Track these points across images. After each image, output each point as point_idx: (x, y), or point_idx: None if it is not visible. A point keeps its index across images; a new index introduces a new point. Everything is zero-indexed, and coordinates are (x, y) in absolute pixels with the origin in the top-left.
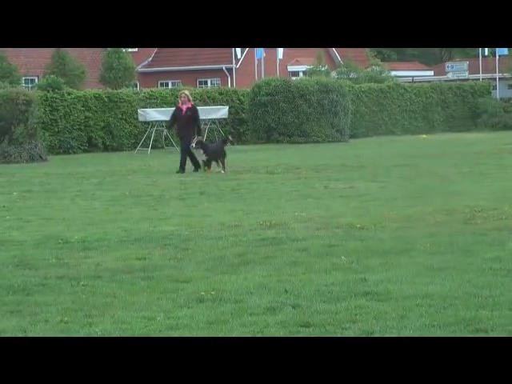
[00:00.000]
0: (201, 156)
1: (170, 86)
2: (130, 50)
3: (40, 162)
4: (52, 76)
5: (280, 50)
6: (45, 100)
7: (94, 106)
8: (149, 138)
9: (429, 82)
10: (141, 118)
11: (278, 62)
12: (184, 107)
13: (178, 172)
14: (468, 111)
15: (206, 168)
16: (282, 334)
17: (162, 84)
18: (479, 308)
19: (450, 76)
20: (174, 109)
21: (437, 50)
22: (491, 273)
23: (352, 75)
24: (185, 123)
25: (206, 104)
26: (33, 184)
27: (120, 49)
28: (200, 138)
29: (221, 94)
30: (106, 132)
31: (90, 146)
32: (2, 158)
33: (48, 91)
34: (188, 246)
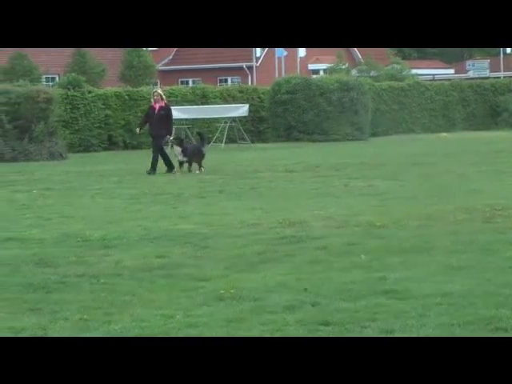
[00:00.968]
0: (176, 156)
1: (190, 84)
2: (150, 48)
3: (60, 160)
4: (72, 74)
5: (301, 48)
6: (65, 98)
7: (115, 104)
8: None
9: (449, 80)
10: None
11: (298, 60)
12: (157, 106)
13: (148, 173)
14: (488, 109)
15: (180, 169)
16: (301, 332)
17: (182, 82)
18: (499, 307)
19: (470, 74)
20: (193, 107)
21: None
22: (511, 271)
23: (372, 73)
24: (157, 122)
25: (226, 102)
26: (53, 182)
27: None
28: (177, 136)
29: (241, 92)
30: (127, 130)
31: (110, 144)
32: (22, 155)
33: (68, 89)
34: (207, 244)
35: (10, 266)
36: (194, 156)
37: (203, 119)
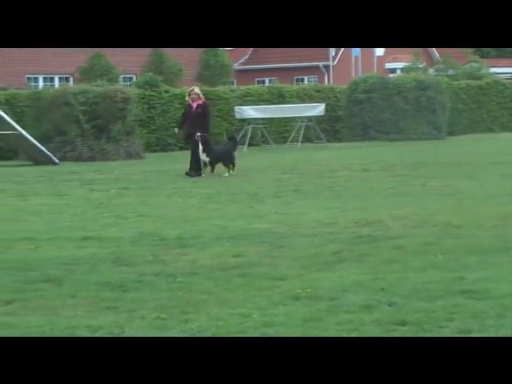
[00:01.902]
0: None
1: (266, 83)
2: (226, 48)
3: (137, 160)
4: (149, 74)
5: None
6: (142, 98)
7: None
8: (245, 135)
9: None
10: (237, 116)
11: (375, 59)
12: (194, 104)
13: (188, 174)
14: None
15: (204, 169)
16: (377, 332)
17: (258, 82)
18: None
19: None
20: (270, 106)
21: None
22: None
23: (450, 72)
24: (193, 120)
25: (303, 101)
26: (130, 181)
27: None
28: (202, 135)
29: (317, 91)
30: None
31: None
32: (100, 155)
33: (145, 89)
34: (283, 243)
35: (88, 264)
36: (221, 158)
37: (279, 119)
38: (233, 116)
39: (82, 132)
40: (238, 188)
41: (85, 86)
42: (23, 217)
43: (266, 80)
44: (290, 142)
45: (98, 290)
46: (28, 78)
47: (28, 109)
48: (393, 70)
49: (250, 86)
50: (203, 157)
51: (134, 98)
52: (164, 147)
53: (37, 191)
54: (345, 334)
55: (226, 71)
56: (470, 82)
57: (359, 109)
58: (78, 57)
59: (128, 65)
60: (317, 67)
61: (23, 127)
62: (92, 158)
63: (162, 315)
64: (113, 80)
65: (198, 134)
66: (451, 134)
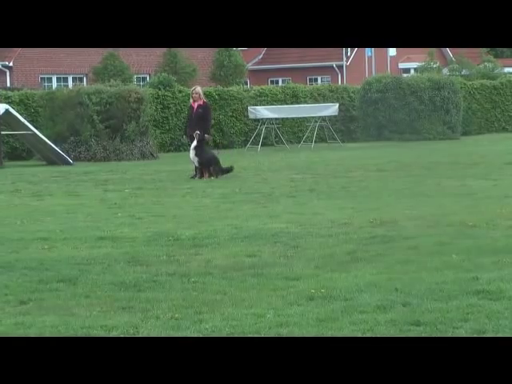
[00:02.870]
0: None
1: (280, 83)
2: (240, 48)
3: (151, 160)
4: (163, 74)
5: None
6: (156, 98)
7: None
8: (259, 135)
9: None
10: (251, 116)
11: (388, 58)
12: (195, 105)
13: (192, 177)
14: None
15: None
16: (392, 332)
17: (271, 81)
18: None
19: None
20: (283, 106)
21: None
22: None
23: (464, 72)
24: (195, 121)
25: (317, 101)
26: (144, 181)
27: None
28: (202, 136)
29: (331, 91)
30: (217, 129)
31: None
32: (114, 155)
33: (159, 89)
34: (298, 243)
35: (103, 264)
36: (211, 164)
37: (293, 119)
38: (247, 116)
39: (96, 132)
40: (252, 188)
41: (99, 86)
42: (38, 217)
43: (280, 80)
44: (304, 141)
45: (113, 289)
46: (41, 79)
47: (42, 109)
48: (406, 70)
49: (263, 86)
50: (192, 154)
51: (147, 98)
52: (178, 147)
53: (51, 191)
54: (359, 334)
55: (240, 71)
56: (484, 81)
57: (373, 109)
58: (92, 57)
59: (142, 65)
60: (330, 67)
61: (37, 127)
62: (106, 158)
63: (177, 315)
64: (127, 80)
65: (197, 132)
66: (466, 133)
